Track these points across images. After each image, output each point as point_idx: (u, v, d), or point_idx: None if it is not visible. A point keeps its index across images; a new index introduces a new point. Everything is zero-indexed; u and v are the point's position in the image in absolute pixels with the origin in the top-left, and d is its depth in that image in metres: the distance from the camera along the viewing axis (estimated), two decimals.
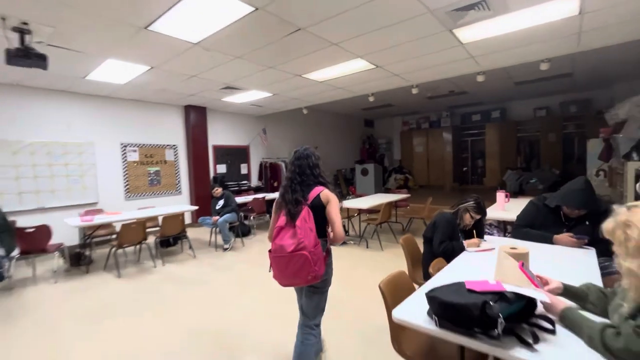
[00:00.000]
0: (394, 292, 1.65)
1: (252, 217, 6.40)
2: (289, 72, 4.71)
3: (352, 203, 5.71)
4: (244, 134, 8.34)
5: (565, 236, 2.19)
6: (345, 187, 10.67)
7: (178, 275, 4.13)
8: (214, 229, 5.32)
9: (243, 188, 8.00)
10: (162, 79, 4.86)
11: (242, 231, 5.70)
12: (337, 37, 3.51)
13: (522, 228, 2.42)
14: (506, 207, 3.77)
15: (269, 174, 8.65)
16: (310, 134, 10.10)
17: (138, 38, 3.30)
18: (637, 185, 3.99)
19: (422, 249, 2.62)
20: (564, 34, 3.58)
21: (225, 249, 5.10)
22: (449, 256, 2.17)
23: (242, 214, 6.51)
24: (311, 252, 1.62)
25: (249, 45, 3.65)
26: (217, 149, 7.70)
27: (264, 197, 6.54)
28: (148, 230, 4.96)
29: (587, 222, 2.23)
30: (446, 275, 1.76)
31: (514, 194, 9.35)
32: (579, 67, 6.17)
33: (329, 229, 1.81)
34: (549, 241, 2.25)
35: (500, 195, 3.79)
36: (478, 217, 2.29)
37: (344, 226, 1.97)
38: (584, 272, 1.75)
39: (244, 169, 8.40)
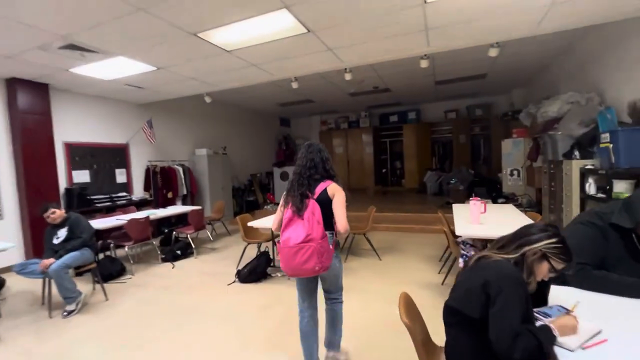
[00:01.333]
0: None
1: (126, 248, 4.31)
2: (175, 24, 3.02)
3: (267, 221, 4.05)
4: (120, 128, 6.03)
5: None
6: (262, 194, 9.11)
7: None
8: (47, 279, 3.17)
9: (119, 203, 5.72)
10: None
11: (106, 273, 3.66)
12: None
13: (593, 270, 1.44)
14: (482, 220, 2.93)
15: (160, 182, 6.50)
16: (216, 131, 8.24)
17: None
18: (588, 185, 3.69)
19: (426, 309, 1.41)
20: (535, 4, 2.94)
21: (69, 313, 3.03)
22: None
23: (112, 242, 4.40)
24: (319, 244, 1.70)
25: None
26: (73, 147, 5.27)
27: (147, 217, 4.53)
28: None
29: None
30: None
31: (434, 194, 9.38)
32: (494, 69, 6.17)
33: (335, 222, 1.84)
34: None
35: (475, 205, 2.90)
36: (563, 266, 1.19)
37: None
38: None
39: (121, 177, 6.08)
